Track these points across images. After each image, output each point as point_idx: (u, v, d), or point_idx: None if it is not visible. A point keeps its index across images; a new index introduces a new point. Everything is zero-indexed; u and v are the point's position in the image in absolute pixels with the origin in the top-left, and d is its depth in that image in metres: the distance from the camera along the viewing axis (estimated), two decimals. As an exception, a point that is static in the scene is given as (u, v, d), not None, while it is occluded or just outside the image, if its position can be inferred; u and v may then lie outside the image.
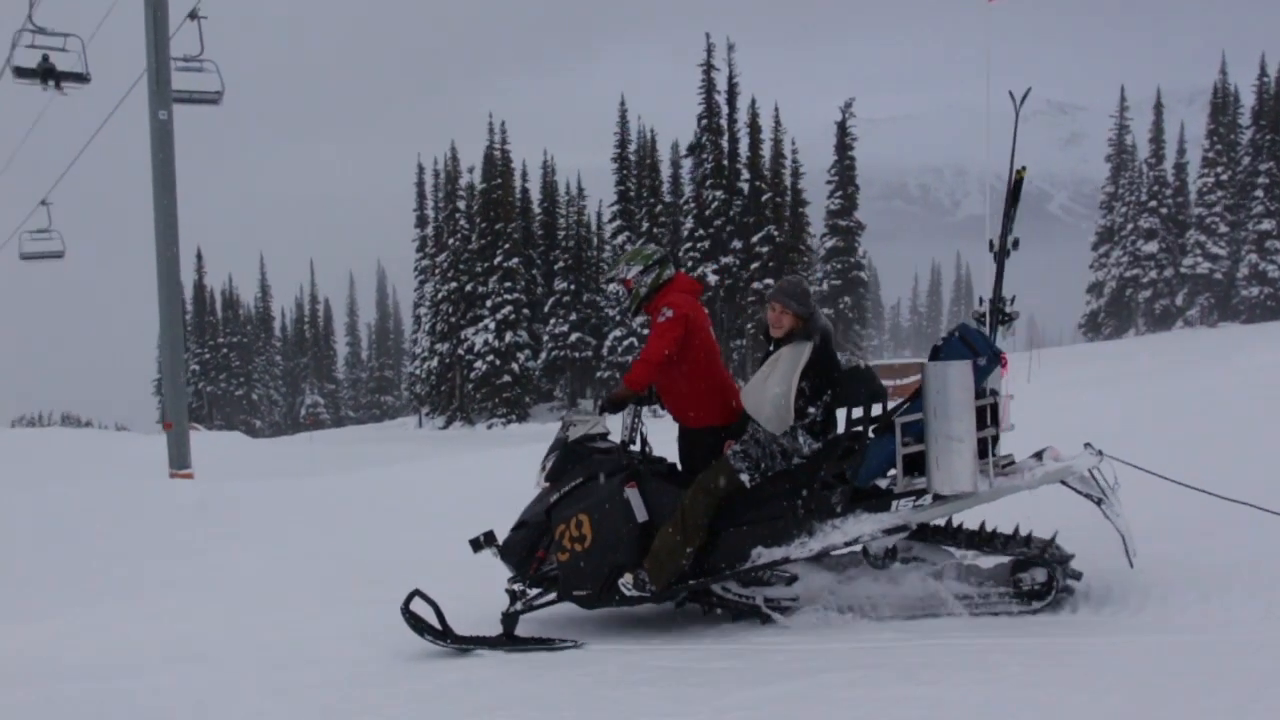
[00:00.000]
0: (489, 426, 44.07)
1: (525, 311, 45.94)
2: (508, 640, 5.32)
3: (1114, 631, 4.42)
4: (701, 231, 41.82)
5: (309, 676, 5.06)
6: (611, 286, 41.05)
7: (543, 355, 47.14)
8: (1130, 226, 56.39)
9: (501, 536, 5.55)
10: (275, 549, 9.29)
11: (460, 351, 46.63)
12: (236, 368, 75.31)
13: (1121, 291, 56.52)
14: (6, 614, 7.67)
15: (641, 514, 5.27)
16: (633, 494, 5.29)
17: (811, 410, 5.03)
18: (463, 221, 49.00)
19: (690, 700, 4.03)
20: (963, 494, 4.72)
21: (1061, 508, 5.23)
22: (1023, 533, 4.95)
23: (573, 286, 47.72)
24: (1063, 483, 4.81)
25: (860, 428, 5.16)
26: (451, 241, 48.51)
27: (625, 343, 44.12)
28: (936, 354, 4.94)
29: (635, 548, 5.19)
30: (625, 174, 46.64)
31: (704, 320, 5.56)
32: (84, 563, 8.88)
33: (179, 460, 22.54)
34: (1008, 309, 5.23)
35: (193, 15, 24.14)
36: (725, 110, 43.60)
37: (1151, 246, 54.94)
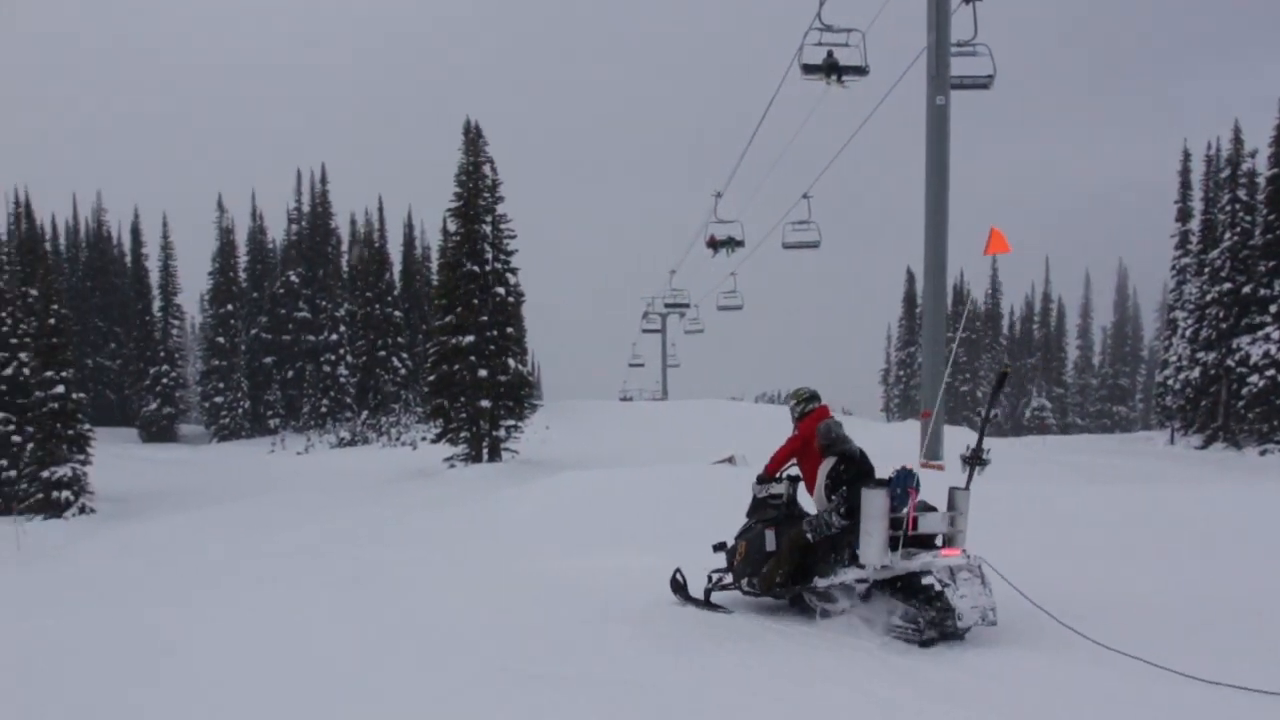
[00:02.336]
0: (1261, 453, 37.58)
1: (1319, 320, 38.30)
2: (705, 603, 9.23)
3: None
4: None
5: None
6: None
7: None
8: None
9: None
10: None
11: (1230, 363, 40.46)
12: (963, 363, 74.87)
13: None
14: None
15: (771, 546, 8.91)
16: (769, 534, 8.97)
17: (833, 498, 8.35)
18: (1243, 214, 42.38)
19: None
20: (881, 566, 7.62)
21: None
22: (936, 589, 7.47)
23: (1390, 293, 38.65)
24: (928, 571, 7.43)
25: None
26: (1228, 237, 42.22)
27: None
28: (885, 481, 7.78)
29: (759, 566, 8.92)
30: None
31: (832, 433, 8.77)
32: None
33: (932, 450, 21.75)
34: (985, 457, 8.78)
35: (968, -1, 23.17)
36: None
37: None
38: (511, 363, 36.92)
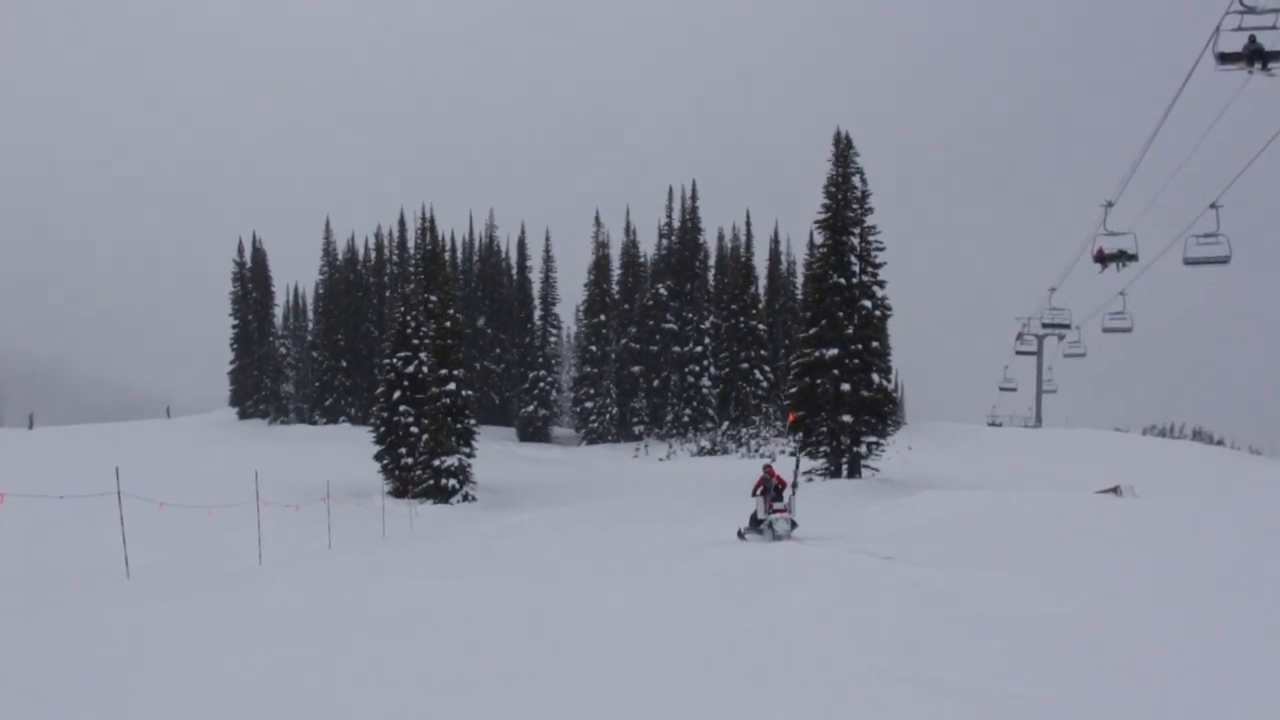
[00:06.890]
0: None
1: None
2: (741, 538, 19.79)
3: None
4: None
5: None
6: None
7: None
8: None
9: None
10: None
11: None
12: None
13: None
14: None
15: (757, 515, 19.69)
16: (754, 513, 19.86)
17: (759, 500, 19.84)
18: None
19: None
20: (764, 518, 19.34)
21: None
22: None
23: None
24: (771, 519, 19.02)
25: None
26: None
27: None
28: (764, 493, 19.52)
29: (751, 523, 19.86)
30: None
31: (767, 477, 19.63)
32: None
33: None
34: (800, 483, 22.71)
35: None
36: None
37: None
38: (875, 378, 35.80)
